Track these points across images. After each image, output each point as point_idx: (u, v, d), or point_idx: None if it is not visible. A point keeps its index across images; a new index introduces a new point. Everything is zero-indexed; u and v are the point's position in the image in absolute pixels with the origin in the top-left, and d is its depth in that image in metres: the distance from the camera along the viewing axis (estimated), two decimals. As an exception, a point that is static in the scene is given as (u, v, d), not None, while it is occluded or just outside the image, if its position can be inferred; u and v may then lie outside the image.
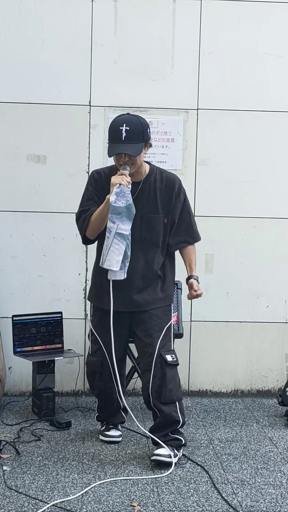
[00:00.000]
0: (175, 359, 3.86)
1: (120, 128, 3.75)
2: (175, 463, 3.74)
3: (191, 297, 3.94)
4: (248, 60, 5.03)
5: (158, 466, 3.73)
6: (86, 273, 5.01)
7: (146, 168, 3.92)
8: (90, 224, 3.85)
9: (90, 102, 4.98)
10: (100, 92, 4.97)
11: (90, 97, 4.98)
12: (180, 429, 3.88)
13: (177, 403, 3.83)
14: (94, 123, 4.98)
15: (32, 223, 4.98)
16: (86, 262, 5.00)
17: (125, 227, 3.68)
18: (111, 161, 4.92)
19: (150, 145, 3.88)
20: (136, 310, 3.91)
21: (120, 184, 3.65)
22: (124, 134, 3.73)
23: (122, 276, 3.72)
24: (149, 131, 3.83)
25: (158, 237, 3.89)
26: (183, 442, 3.87)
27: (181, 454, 3.85)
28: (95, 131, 4.98)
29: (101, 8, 4.94)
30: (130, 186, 3.70)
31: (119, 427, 4.19)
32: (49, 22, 4.92)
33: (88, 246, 4.96)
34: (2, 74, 4.94)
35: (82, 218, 3.89)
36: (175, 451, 3.80)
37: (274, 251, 5.11)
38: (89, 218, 3.85)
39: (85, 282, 5.01)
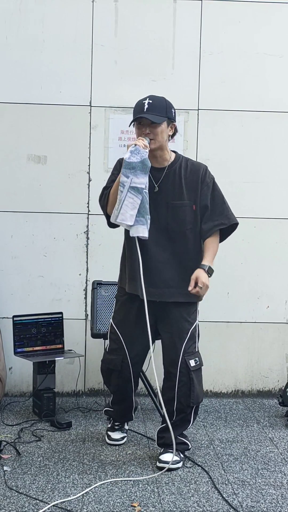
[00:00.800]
0: (198, 363, 3.82)
1: (143, 101, 3.69)
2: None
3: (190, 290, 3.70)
4: (248, 60, 5.04)
5: (160, 468, 3.73)
6: (87, 274, 5.01)
7: (172, 155, 3.81)
8: (109, 199, 3.72)
9: (90, 103, 4.98)
10: (100, 92, 4.97)
11: (90, 98, 4.98)
12: (184, 432, 3.89)
13: (196, 406, 3.87)
14: (94, 124, 4.98)
15: (33, 224, 4.98)
16: (87, 262, 5.00)
17: (140, 180, 3.53)
18: (111, 162, 4.95)
19: (176, 130, 3.79)
20: (161, 300, 3.76)
21: (135, 145, 3.55)
22: (146, 106, 3.67)
23: (145, 233, 3.56)
24: (174, 112, 3.74)
25: (185, 225, 3.74)
26: (189, 446, 3.89)
27: (182, 456, 3.86)
28: (96, 132, 4.98)
29: (101, 9, 4.94)
30: (147, 150, 3.57)
31: (125, 428, 4.17)
32: (50, 22, 4.93)
33: (89, 246, 4.97)
34: (2, 74, 4.94)
35: (104, 195, 3.80)
36: (181, 454, 3.82)
37: (274, 251, 5.11)
38: (108, 194, 3.75)
39: (86, 283, 5.01)
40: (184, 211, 3.74)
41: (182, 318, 3.80)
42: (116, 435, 4.11)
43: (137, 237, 3.61)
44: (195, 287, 3.66)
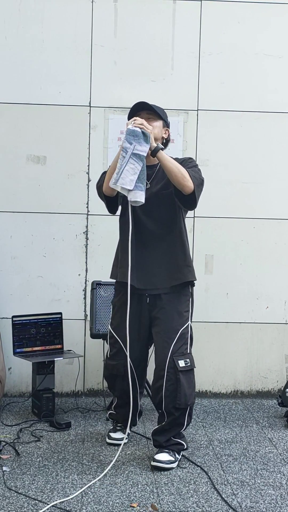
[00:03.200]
0: (188, 364, 3.81)
1: (140, 101, 3.82)
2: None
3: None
4: (248, 61, 5.04)
5: (156, 469, 3.73)
6: (86, 274, 5.01)
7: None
8: (107, 176, 3.74)
9: (90, 103, 4.98)
10: (100, 92, 4.97)
11: (90, 98, 4.98)
12: (182, 431, 3.89)
13: (189, 407, 3.84)
14: (94, 124, 4.98)
15: (32, 224, 4.98)
16: (86, 262, 5.00)
17: (142, 148, 3.56)
18: (110, 161, 4.94)
19: (169, 138, 3.91)
20: (147, 287, 3.84)
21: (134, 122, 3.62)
22: (143, 104, 3.80)
23: (142, 198, 3.58)
24: (168, 120, 3.90)
25: (173, 212, 3.83)
26: (185, 446, 3.88)
27: (180, 456, 3.85)
28: (95, 132, 4.98)
29: (101, 9, 4.94)
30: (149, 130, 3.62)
31: (127, 431, 4.16)
32: (49, 22, 4.93)
33: (88, 247, 4.97)
34: (1, 75, 4.94)
35: (101, 176, 3.88)
36: (176, 455, 3.81)
37: (273, 252, 5.11)
38: (105, 174, 3.81)
39: (85, 283, 5.01)
40: (170, 198, 3.80)
41: (172, 317, 3.82)
42: (116, 435, 4.11)
43: (131, 217, 3.67)
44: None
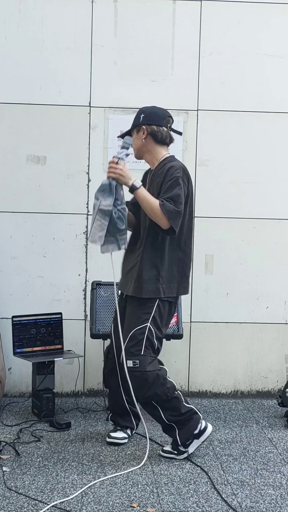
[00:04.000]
0: (137, 365, 3.81)
1: (121, 135, 4.06)
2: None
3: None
4: (248, 61, 5.04)
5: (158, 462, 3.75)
6: (86, 274, 5.00)
7: (162, 158, 3.93)
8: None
9: (90, 103, 4.98)
10: (100, 93, 4.97)
11: (90, 98, 4.98)
12: (174, 424, 3.89)
13: (152, 402, 3.87)
14: (94, 124, 4.98)
15: (32, 224, 4.98)
16: (86, 263, 5.00)
17: (107, 203, 3.73)
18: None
19: (152, 132, 3.89)
20: (121, 290, 4.04)
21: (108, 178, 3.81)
22: (122, 136, 4.02)
23: (115, 248, 3.78)
24: (143, 116, 3.91)
25: (153, 227, 3.87)
26: (178, 442, 3.89)
27: (185, 449, 3.90)
28: (95, 132, 4.98)
29: (101, 9, 4.94)
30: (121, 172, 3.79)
31: (127, 431, 4.17)
32: (49, 22, 4.93)
33: (88, 247, 4.97)
34: (2, 75, 4.94)
35: None
36: (178, 448, 3.90)
37: (274, 252, 5.11)
38: None
39: (85, 283, 5.01)
40: None
41: (131, 316, 3.89)
42: (117, 434, 4.12)
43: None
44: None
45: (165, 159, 3.93)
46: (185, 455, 3.88)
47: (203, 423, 3.92)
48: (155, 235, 3.84)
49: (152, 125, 3.90)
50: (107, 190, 3.73)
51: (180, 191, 3.76)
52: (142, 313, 3.86)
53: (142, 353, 3.83)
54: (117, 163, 3.80)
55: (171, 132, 3.95)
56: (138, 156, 4.00)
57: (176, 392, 3.89)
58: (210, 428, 3.93)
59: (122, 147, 3.87)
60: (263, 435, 4.34)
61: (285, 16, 5.04)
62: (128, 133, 3.98)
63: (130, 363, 3.82)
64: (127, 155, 3.86)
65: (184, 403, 3.90)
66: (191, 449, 3.89)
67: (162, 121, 3.91)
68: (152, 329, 3.85)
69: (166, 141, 3.94)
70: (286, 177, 5.10)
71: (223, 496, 3.43)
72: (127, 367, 3.82)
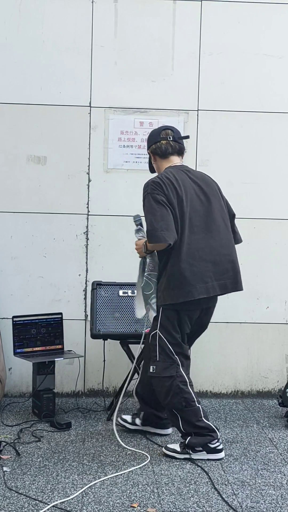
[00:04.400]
0: (154, 371, 3.95)
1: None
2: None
3: None
4: (248, 61, 5.04)
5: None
6: (86, 274, 5.01)
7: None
8: None
9: (90, 103, 4.98)
10: (100, 93, 4.97)
11: (90, 98, 4.98)
12: (185, 436, 3.93)
13: (172, 409, 3.91)
14: (94, 124, 4.98)
15: (32, 224, 4.98)
16: (86, 263, 5.00)
17: (138, 279, 4.08)
18: (111, 163, 4.97)
19: (157, 151, 4.06)
20: None
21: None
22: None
23: (154, 313, 4.01)
24: (148, 142, 4.12)
25: None
26: (185, 442, 3.90)
27: (190, 452, 3.92)
28: (96, 132, 4.98)
29: (101, 9, 4.94)
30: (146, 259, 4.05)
31: (139, 420, 4.31)
32: (50, 23, 4.93)
33: (89, 247, 4.97)
34: (2, 75, 4.94)
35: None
36: (185, 449, 3.93)
37: (274, 252, 5.11)
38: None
39: (85, 283, 5.01)
40: None
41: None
42: (128, 417, 4.29)
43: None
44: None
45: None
46: (186, 456, 3.87)
47: (220, 445, 3.92)
48: (159, 255, 3.98)
49: (151, 145, 4.08)
50: (140, 268, 4.06)
51: (146, 209, 3.88)
52: (154, 320, 4.00)
53: (157, 359, 3.95)
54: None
55: (179, 140, 4.08)
56: None
57: (194, 404, 3.90)
58: (222, 454, 3.92)
59: (136, 225, 4.15)
60: (264, 435, 4.34)
61: (285, 16, 5.04)
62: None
63: (151, 369, 3.98)
64: (138, 230, 4.12)
65: (203, 418, 3.91)
66: (195, 456, 3.87)
67: (158, 137, 4.05)
68: (162, 336, 3.94)
69: (168, 152, 4.05)
70: (286, 177, 5.10)
71: (224, 496, 3.43)
72: (149, 372, 4.00)
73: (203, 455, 3.88)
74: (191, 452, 3.87)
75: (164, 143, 4.03)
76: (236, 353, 5.13)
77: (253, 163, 5.07)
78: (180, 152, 4.08)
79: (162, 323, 3.94)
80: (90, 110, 4.98)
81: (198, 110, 5.03)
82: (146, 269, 3.98)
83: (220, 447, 3.91)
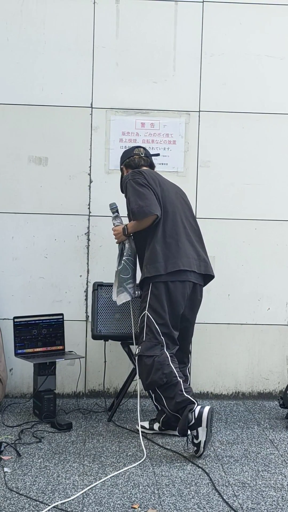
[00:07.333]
0: (138, 351, 4.10)
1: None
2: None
3: None
4: (249, 62, 5.04)
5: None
6: (87, 275, 5.01)
7: None
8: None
9: (91, 104, 4.98)
10: (101, 94, 4.97)
11: (91, 99, 4.98)
12: (177, 412, 3.96)
13: (156, 389, 4.03)
14: (95, 125, 4.98)
15: (33, 225, 4.98)
16: (88, 264, 5.00)
17: (116, 265, 4.32)
18: (112, 164, 4.96)
19: (127, 167, 4.39)
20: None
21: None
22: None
23: (127, 297, 4.27)
24: (120, 161, 4.47)
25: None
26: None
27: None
28: (97, 133, 4.98)
29: (103, 10, 4.94)
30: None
31: (155, 423, 4.33)
32: (51, 24, 4.93)
33: (90, 248, 4.98)
34: (3, 76, 4.94)
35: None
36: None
37: (275, 253, 5.11)
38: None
39: (86, 284, 5.01)
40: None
41: (139, 306, 4.28)
42: (145, 423, 4.35)
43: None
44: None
45: None
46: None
47: (196, 411, 3.88)
48: (143, 234, 4.20)
49: (125, 160, 4.40)
50: (118, 254, 4.31)
51: (129, 194, 4.14)
52: (142, 302, 4.15)
53: (144, 339, 4.09)
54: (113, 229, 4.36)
55: (150, 156, 4.43)
56: None
57: (176, 379, 3.98)
58: (206, 409, 3.87)
59: (112, 213, 4.43)
60: (264, 437, 4.34)
61: (286, 17, 5.04)
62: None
63: (136, 350, 4.12)
64: (115, 217, 4.41)
65: (184, 392, 3.95)
66: (201, 437, 3.86)
67: (131, 153, 4.40)
68: (150, 316, 4.08)
69: (140, 164, 4.36)
70: (287, 178, 5.11)
71: (224, 497, 3.43)
72: (136, 353, 4.12)
73: (203, 430, 3.86)
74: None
75: (137, 157, 4.38)
76: (237, 354, 5.13)
77: (254, 164, 5.07)
78: (152, 166, 4.44)
79: (150, 303, 4.10)
80: (92, 111, 4.98)
81: (199, 111, 5.03)
82: (124, 254, 4.25)
83: (198, 410, 3.87)
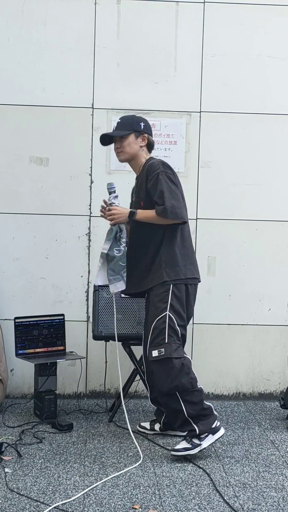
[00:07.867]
0: (162, 353, 3.89)
1: (102, 136, 4.18)
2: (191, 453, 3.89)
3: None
4: (251, 63, 5.04)
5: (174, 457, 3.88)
6: (89, 275, 5.01)
7: (143, 162, 4.11)
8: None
9: (93, 105, 4.98)
10: (103, 94, 4.98)
11: (93, 100, 4.98)
12: (192, 419, 3.91)
13: (177, 393, 3.89)
14: (97, 126, 4.98)
15: (35, 225, 4.98)
16: (89, 264, 5.01)
17: (104, 246, 4.06)
18: (113, 164, 4.96)
19: (149, 141, 4.12)
20: (138, 290, 4.15)
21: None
22: (115, 125, 4.17)
23: (123, 286, 4.07)
24: (143, 125, 4.10)
25: (148, 225, 4.02)
26: (196, 431, 3.90)
27: (200, 442, 3.90)
28: (98, 134, 4.96)
29: (104, 11, 4.95)
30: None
31: (157, 425, 4.33)
32: (52, 24, 4.93)
33: (91, 248, 4.97)
34: (5, 76, 4.94)
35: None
36: (194, 441, 3.89)
37: (276, 253, 5.11)
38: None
39: (87, 284, 5.01)
40: (138, 207, 4.06)
41: (151, 306, 4.03)
42: (146, 424, 4.33)
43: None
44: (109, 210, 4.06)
45: (146, 161, 4.10)
46: (200, 448, 3.88)
47: (218, 423, 3.97)
48: (147, 233, 4.03)
49: (151, 135, 4.15)
50: (109, 234, 4.05)
51: (162, 186, 3.92)
52: (159, 303, 3.98)
53: (166, 341, 3.92)
54: (109, 209, 4.04)
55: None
56: (126, 160, 4.16)
57: (199, 386, 3.96)
58: (223, 430, 3.98)
59: (110, 193, 4.08)
60: (265, 437, 4.33)
61: (287, 17, 5.04)
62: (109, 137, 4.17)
63: (155, 353, 3.91)
64: (115, 197, 4.08)
65: (203, 399, 3.97)
66: (205, 443, 3.89)
67: (151, 130, 4.18)
68: (173, 317, 3.95)
69: (152, 148, 4.19)
70: (289, 179, 5.11)
71: (225, 498, 3.43)
72: (152, 357, 3.92)
73: (210, 439, 3.91)
74: (201, 443, 3.90)
75: (152, 140, 4.18)
76: (238, 355, 5.13)
77: (256, 164, 5.07)
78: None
79: (172, 303, 3.97)
80: (93, 111, 4.98)
81: (200, 111, 5.03)
82: (123, 240, 4.05)
83: (219, 424, 3.96)
